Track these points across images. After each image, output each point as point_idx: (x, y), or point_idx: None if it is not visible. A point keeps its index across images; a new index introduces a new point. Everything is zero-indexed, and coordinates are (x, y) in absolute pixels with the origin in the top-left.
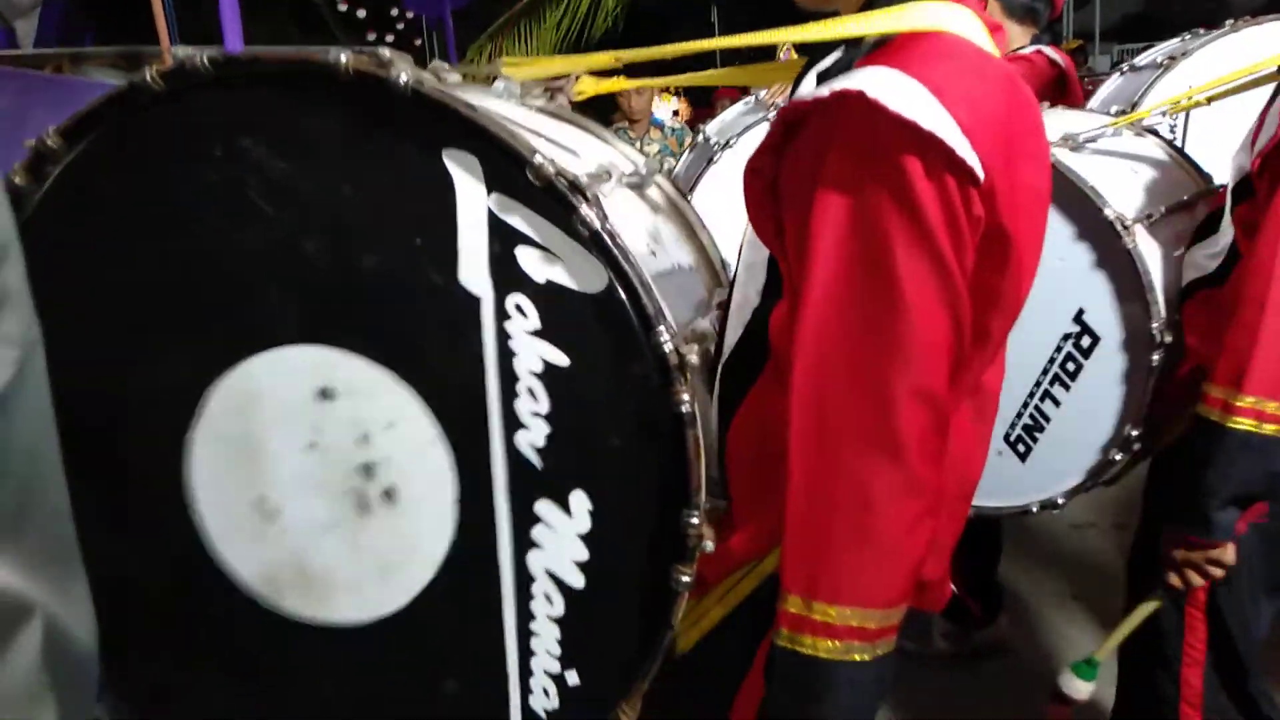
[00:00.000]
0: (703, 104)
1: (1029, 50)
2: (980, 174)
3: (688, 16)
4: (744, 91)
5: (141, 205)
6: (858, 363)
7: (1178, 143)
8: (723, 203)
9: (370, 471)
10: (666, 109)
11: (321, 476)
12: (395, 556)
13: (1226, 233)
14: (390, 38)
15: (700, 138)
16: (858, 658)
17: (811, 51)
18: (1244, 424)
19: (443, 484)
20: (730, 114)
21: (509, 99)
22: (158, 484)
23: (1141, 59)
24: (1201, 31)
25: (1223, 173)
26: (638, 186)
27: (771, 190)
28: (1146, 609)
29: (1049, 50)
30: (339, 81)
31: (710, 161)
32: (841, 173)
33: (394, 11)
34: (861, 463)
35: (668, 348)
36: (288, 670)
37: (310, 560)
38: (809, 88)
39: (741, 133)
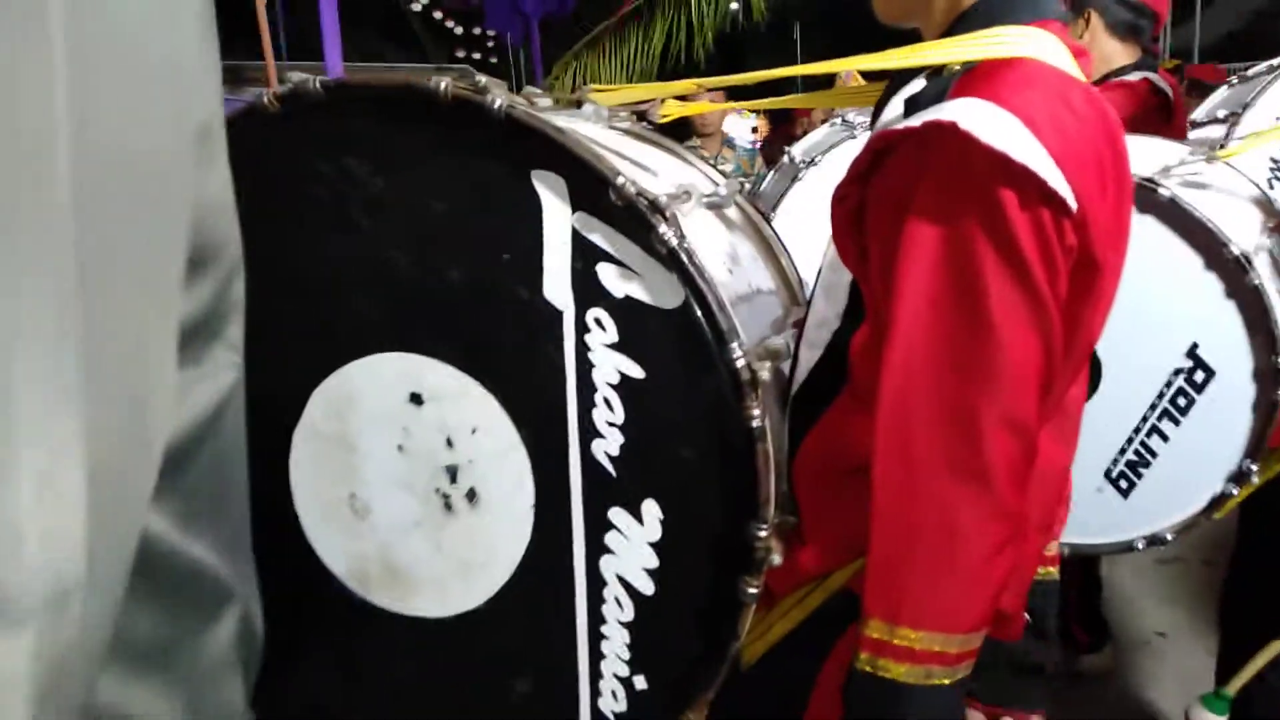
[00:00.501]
0: (782, 121)
1: (1134, 77)
2: (1073, 204)
3: (771, 35)
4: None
5: (254, 219)
6: (946, 390)
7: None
8: (806, 220)
9: (454, 474)
10: (745, 125)
11: (409, 477)
12: (476, 556)
13: None
14: (478, 55)
15: (786, 158)
16: (938, 682)
17: (890, 74)
18: None
19: (522, 488)
20: (817, 134)
21: (597, 121)
22: (264, 484)
23: (1253, 70)
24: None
25: None
26: (717, 206)
27: (858, 216)
28: (1277, 647)
29: (1155, 77)
30: (438, 105)
31: (795, 179)
32: (934, 203)
33: (479, 30)
34: (949, 490)
35: (740, 363)
36: (374, 659)
37: (397, 557)
38: (894, 113)
39: (827, 150)
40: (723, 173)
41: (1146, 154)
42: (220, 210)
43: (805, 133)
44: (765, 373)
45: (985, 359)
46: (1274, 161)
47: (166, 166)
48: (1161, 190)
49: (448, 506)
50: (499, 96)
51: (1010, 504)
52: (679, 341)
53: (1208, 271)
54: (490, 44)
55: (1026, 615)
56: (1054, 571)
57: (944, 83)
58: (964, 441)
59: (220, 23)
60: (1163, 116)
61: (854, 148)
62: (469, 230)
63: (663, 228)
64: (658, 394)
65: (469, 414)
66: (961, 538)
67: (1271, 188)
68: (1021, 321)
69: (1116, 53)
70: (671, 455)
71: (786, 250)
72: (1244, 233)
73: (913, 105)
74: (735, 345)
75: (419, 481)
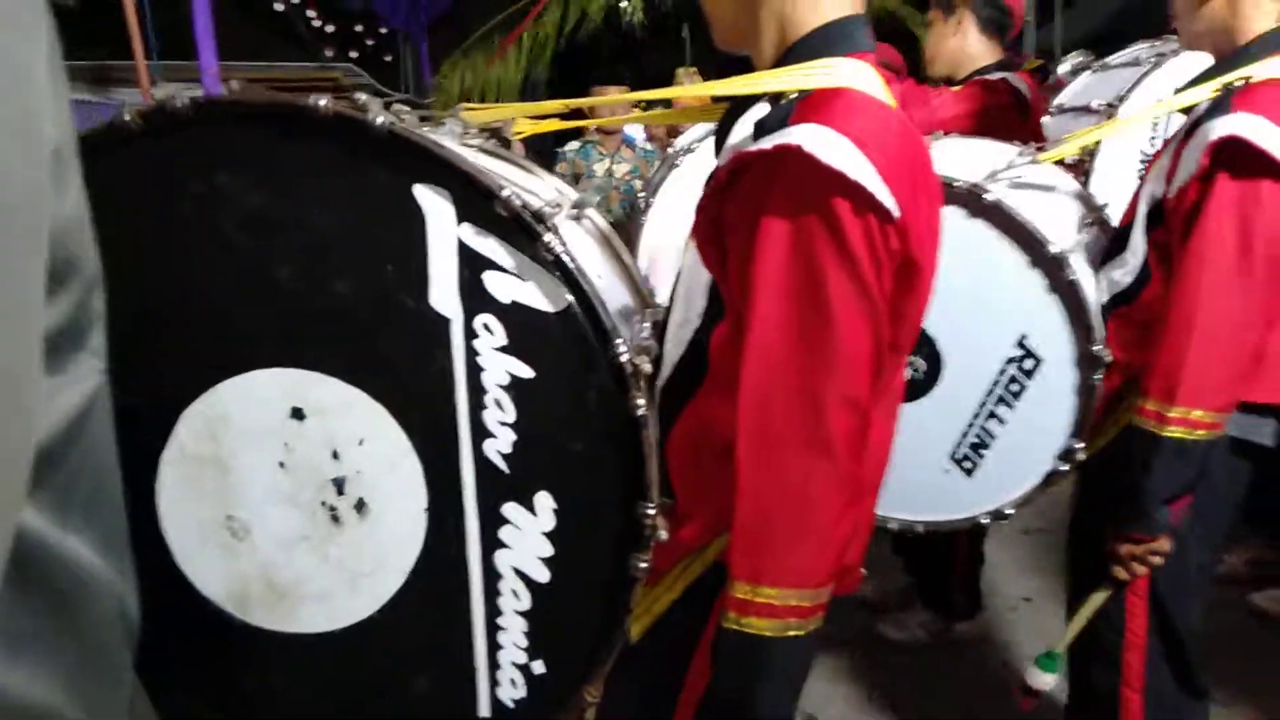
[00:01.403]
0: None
1: (994, 77)
2: (896, 213)
3: (661, 33)
4: None
5: (118, 237)
6: (796, 375)
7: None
8: (684, 201)
9: (341, 486)
10: (638, 127)
11: (292, 493)
12: (366, 566)
13: (1137, 252)
14: (355, 55)
15: (670, 150)
16: (794, 633)
17: (733, 99)
18: (1176, 432)
19: (413, 493)
20: (697, 130)
21: (451, 138)
22: (128, 504)
23: (1115, 58)
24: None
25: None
26: (575, 218)
27: (717, 225)
28: (1097, 600)
29: (1013, 77)
30: (317, 121)
31: (674, 166)
32: (782, 213)
33: (361, 28)
34: (801, 461)
35: (624, 358)
36: (258, 679)
37: (281, 574)
38: (744, 133)
39: (703, 138)
40: (613, 172)
41: (979, 157)
42: (77, 227)
43: None
44: (646, 366)
45: (827, 346)
46: (1144, 155)
47: (24, 189)
48: (988, 195)
49: (335, 519)
50: (380, 113)
51: (851, 472)
52: (565, 341)
53: (1032, 269)
54: (372, 41)
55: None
56: None
57: (786, 109)
58: (812, 418)
59: (87, 22)
60: (1019, 115)
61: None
62: (352, 244)
63: (548, 236)
64: (547, 392)
65: (356, 425)
66: (813, 503)
67: (1142, 180)
68: (855, 313)
69: (982, 51)
70: (562, 448)
71: (632, 257)
72: (1063, 230)
73: (761, 128)
74: (619, 342)
75: (303, 496)
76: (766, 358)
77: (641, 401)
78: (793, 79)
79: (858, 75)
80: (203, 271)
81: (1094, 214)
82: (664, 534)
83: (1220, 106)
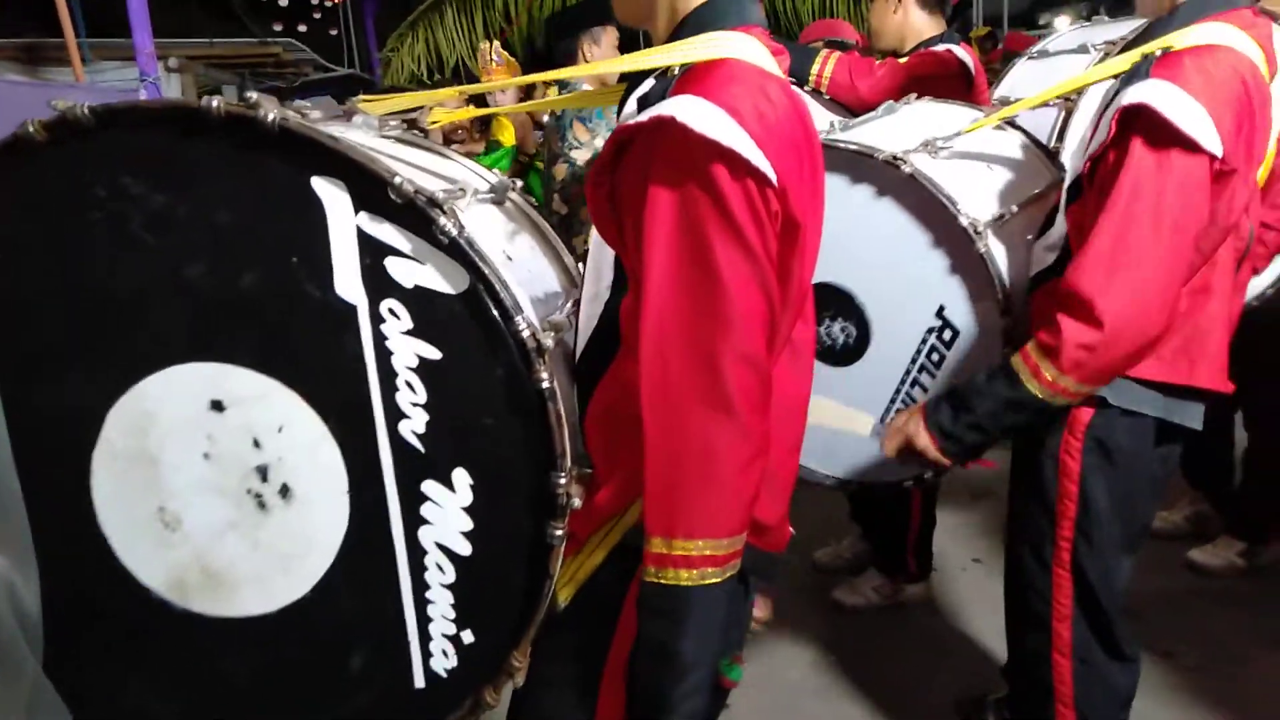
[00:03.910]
0: None
1: (939, 48)
2: (773, 177)
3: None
4: None
5: (30, 244)
6: (691, 336)
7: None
8: None
9: (265, 473)
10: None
11: (218, 482)
12: (295, 548)
13: (1060, 226)
14: (303, 28)
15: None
16: (711, 581)
17: (631, 77)
18: (1039, 391)
19: (334, 477)
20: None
21: (368, 130)
22: (64, 505)
23: (1053, 44)
24: (1105, 19)
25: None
26: (496, 201)
27: (611, 199)
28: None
29: (957, 48)
30: (211, 121)
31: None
32: (665, 182)
33: (305, 1)
34: (702, 419)
35: (526, 334)
36: (201, 664)
37: (214, 561)
38: (630, 110)
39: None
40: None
41: (947, 118)
42: None
43: None
44: (550, 341)
45: (718, 306)
46: None
47: None
48: (903, 168)
49: (261, 505)
50: (271, 110)
51: (753, 426)
52: (470, 321)
53: (935, 248)
54: (319, 16)
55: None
56: None
57: (667, 83)
58: (709, 376)
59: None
60: (964, 83)
61: None
62: (255, 238)
63: (442, 220)
64: (456, 371)
65: (274, 413)
66: (716, 456)
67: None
68: (742, 273)
69: (925, 25)
70: (474, 424)
71: (558, 238)
72: (989, 203)
73: (644, 103)
74: (520, 319)
75: (229, 485)
76: (662, 322)
77: (545, 375)
78: (678, 53)
79: (740, 46)
80: (116, 273)
81: (1047, 183)
82: (578, 501)
83: (1138, 73)
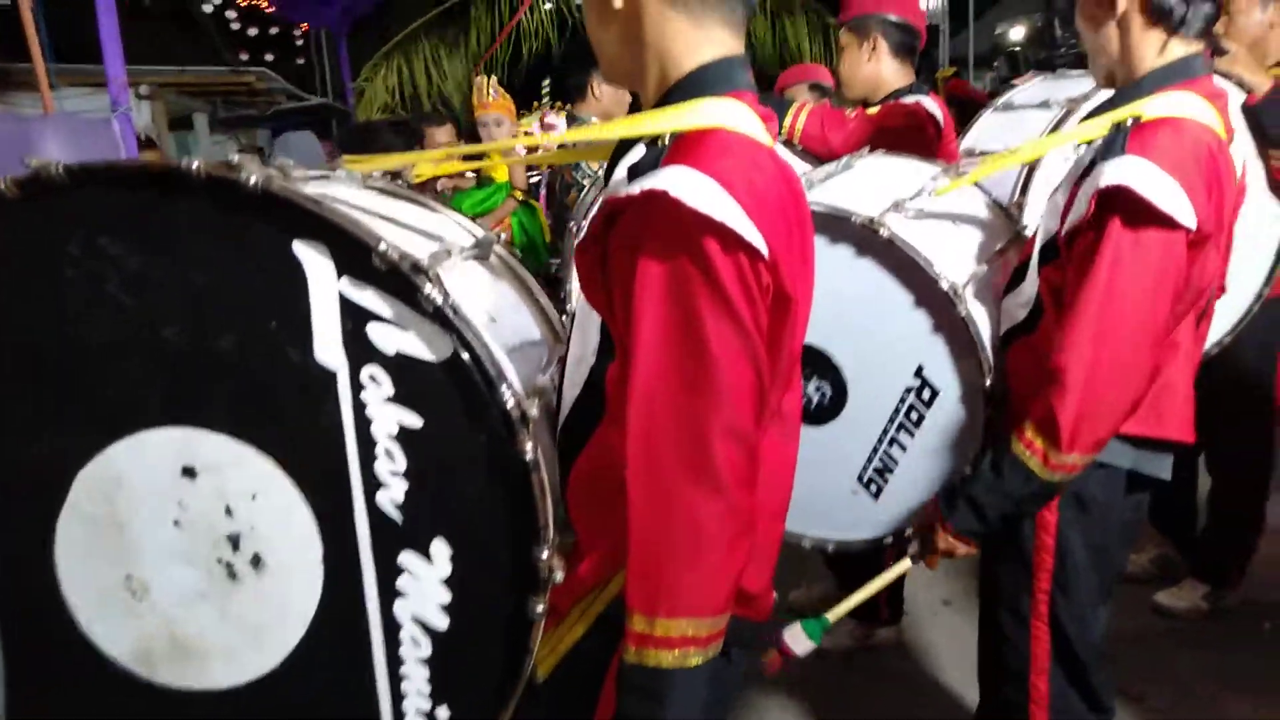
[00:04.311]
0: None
1: (909, 100)
2: (765, 250)
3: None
4: None
5: (4, 303)
6: (679, 410)
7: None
8: None
9: (236, 542)
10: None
11: (188, 551)
12: (266, 619)
13: (1032, 283)
14: (270, 57)
15: (601, 171)
16: (693, 662)
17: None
18: (1054, 476)
19: (308, 546)
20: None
21: (351, 183)
22: (24, 571)
23: (1018, 97)
24: (1071, 72)
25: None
26: (480, 257)
27: (600, 267)
28: (898, 569)
29: (927, 100)
30: (192, 183)
31: (604, 189)
32: (656, 255)
33: (276, 30)
34: (688, 494)
35: (510, 404)
36: None
37: (182, 631)
38: (620, 176)
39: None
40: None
41: (899, 176)
42: None
43: None
44: (535, 410)
45: (707, 380)
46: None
47: None
48: (882, 232)
49: (232, 574)
50: (254, 173)
51: (739, 502)
52: (452, 389)
53: (917, 309)
54: (297, 44)
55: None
56: None
57: (659, 152)
58: (697, 451)
59: None
60: (934, 135)
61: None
62: (234, 301)
63: (428, 288)
64: (437, 439)
65: (247, 481)
66: (702, 534)
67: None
68: (733, 348)
69: (895, 75)
70: (455, 494)
71: (543, 292)
72: (964, 262)
73: (635, 172)
74: (504, 388)
75: (199, 553)
76: (650, 396)
77: (529, 445)
78: (667, 121)
79: (731, 114)
80: (87, 334)
81: (1007, 239)
82: (560, 575)
83: (1113, 147)
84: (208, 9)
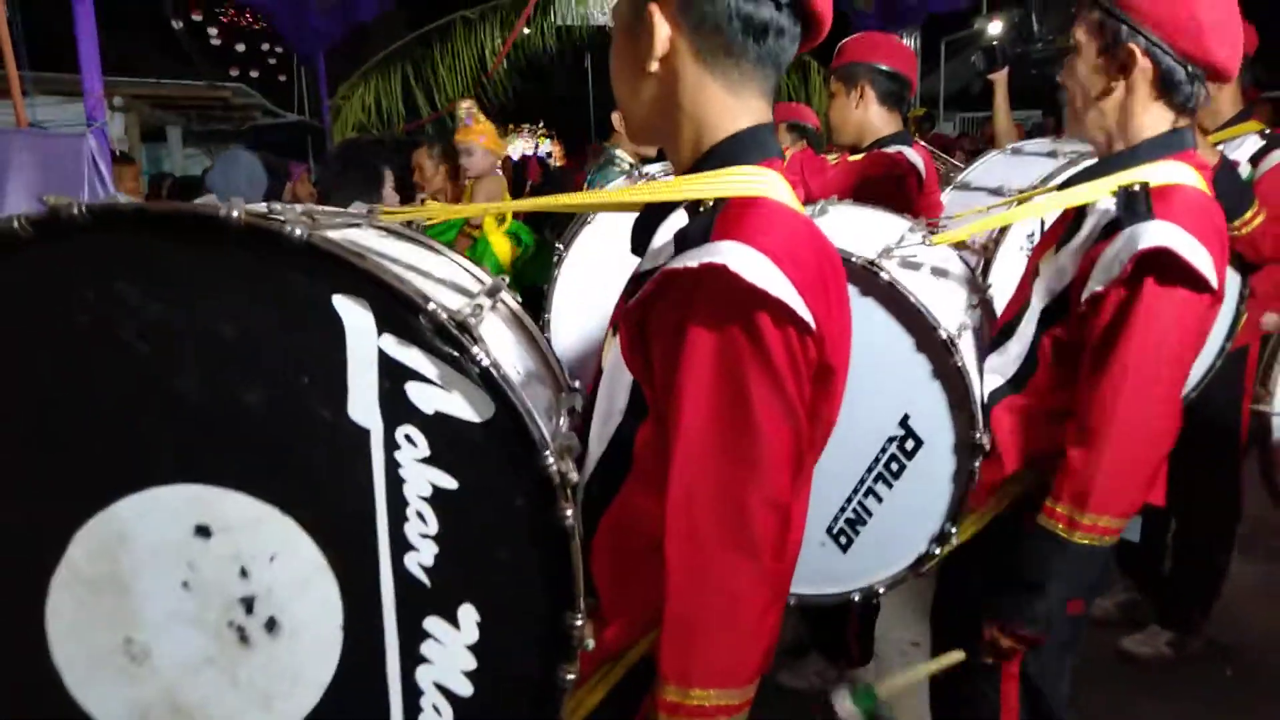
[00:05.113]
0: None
1: (892, 149)
2: (812, 324)
3: (565, 63)
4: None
5: (5, 346)
6: (722, 480)
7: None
8: (598, 251)
9: (250, 605)
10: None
11: (196, 614)
12: (278, 686)
13: (1023, 339)
14: (255, 74)
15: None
16: None
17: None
18: (1086, 539)
19: (329, 611)
20: (618, 182)
21: (363, 223)
22: (14, 630)
23: (1028, 145)
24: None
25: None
26: (494, 307)
27: (642, 332)
28: (947, 660)
29: (909, 151)
30: (227, 231)
31: (586, 221)
32: (708, 326)
33: (265, 46)
34: (727, 563)
35: (552, 470)
36: None
37: (186, 698)
38: (663, 242)
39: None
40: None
41: (869, 227)
42: None
43: None
44: (573, 474)
45: (752, 453)
46: (1025, 246)
47: None
48: (882, 275)
49: (243, 639)
50: (295, 223)
51: (774, 570)
52: (491, 452)
53: (918, 353)
54: (273, 61)
55: None
56: None
57: (706, 221)
58: (738, 521)
59: None
60: (915, 185)
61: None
62: (264, 354)
63: (475, 349)
64: (472, 503)
65: (266, 541)
66: (739, 603)
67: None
68: (778, 421)
69: (883, 123)
70: (486, 559)
71: (544, 336)
72: (952, 312)
73: (682, 239)
74: (548, 453)
75: (208, 617)
76: (693, 464)
77: (569, 511)
78: (711, 186)
79: (771, 184)
80: (98, 382)
81: (979, 296)
82: (591, 643)
83: (1136, 212)
84: (178, 25)
